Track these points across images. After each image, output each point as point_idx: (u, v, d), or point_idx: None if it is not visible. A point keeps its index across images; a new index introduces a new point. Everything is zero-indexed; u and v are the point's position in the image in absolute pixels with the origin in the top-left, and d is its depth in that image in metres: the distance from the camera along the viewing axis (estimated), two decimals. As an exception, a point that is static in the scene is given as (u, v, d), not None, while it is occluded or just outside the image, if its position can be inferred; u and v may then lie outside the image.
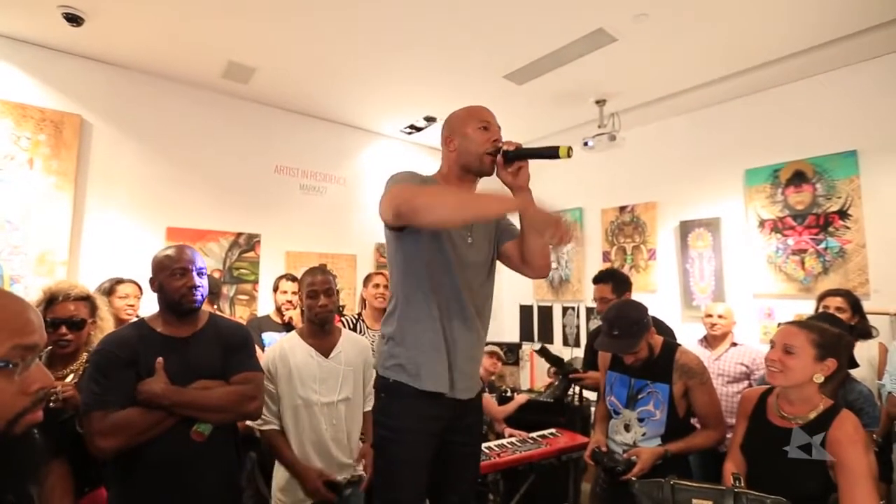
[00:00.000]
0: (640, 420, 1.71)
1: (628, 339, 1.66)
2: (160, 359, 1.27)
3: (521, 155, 1.21)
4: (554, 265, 4.51)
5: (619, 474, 1.60)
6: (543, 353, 2.61)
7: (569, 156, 1.13)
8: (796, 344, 1.33)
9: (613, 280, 2.36)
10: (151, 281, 1.38)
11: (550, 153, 1.15)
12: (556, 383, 2.48)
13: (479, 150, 1.25)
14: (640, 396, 1.72)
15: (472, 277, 1.29)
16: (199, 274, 1.39)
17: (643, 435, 1.69)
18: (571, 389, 2.73)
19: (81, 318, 1.49)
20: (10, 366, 0.63)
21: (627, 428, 1.73)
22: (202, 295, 1.39)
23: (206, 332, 1.41)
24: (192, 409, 1.28)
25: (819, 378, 1.31)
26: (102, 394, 1.22)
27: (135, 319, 1.45)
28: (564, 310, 4.39)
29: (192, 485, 1.28)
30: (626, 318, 1.69)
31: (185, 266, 1.35)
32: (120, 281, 2.29)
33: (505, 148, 1.22)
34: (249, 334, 1.53)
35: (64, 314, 1.44)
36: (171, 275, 1.34)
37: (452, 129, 1.31)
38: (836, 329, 1.40)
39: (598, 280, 2.41)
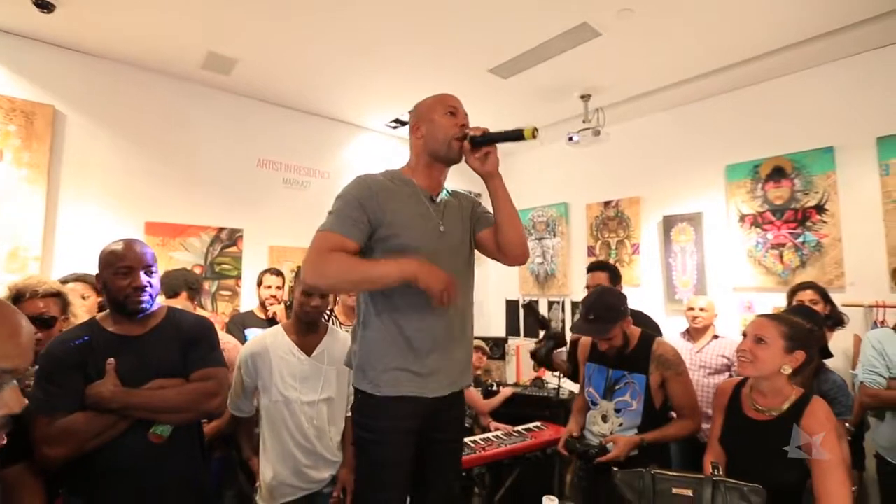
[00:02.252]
0: (617, 411, 1.73)
1: (603, 323, 1.68)
2: (111, 360, 1.21)
3: (488, 140, 1.20)
4: (540, 260, 4.54)
5: (593, 457, 1.62)
6: (530, 309, 2.49)
7: (534, 136, 1.13)
8: (767, 335, 1.36)
9: (609, 270, 2.42)
10: (97, 277, 1.29)
11: (516, 135, 1.16)
12: (543, 343, 2.46)
13: (447, 136, 1.24)
14: (617, 387, 1.75)
15: (448, 268, 1.23)
16: (148, 272, 1.29)
17: (620, 425, 1.72)
18: (559, 383, 2.74)
19: (51, 315, 1.43)
20: None
21: (605, 419, 1.76)
22: (151, 295, 1.30)
23: (162, 328, 1.33)
24: (146, 410, 1.22)
25: (787, 369, 1.34)
26: (47, 399, 1.16)
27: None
28: (550, 304, 4.41)
29: (152, 488, 1.23)
30: (603, 303, 1.72)
31: (130, 265, 1.26)
32: (79, 278, 2.08)
33: (472, 133, 1.21)
34: (211, 327, 1.46)
35: (32, 311, 1.37)
36: (115, 273, 1.25)
37: (420, 116, 1.32)
38: (808, 324, 1.45)
39: (595, 268, 2.45)
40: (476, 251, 1.39)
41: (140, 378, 1.24)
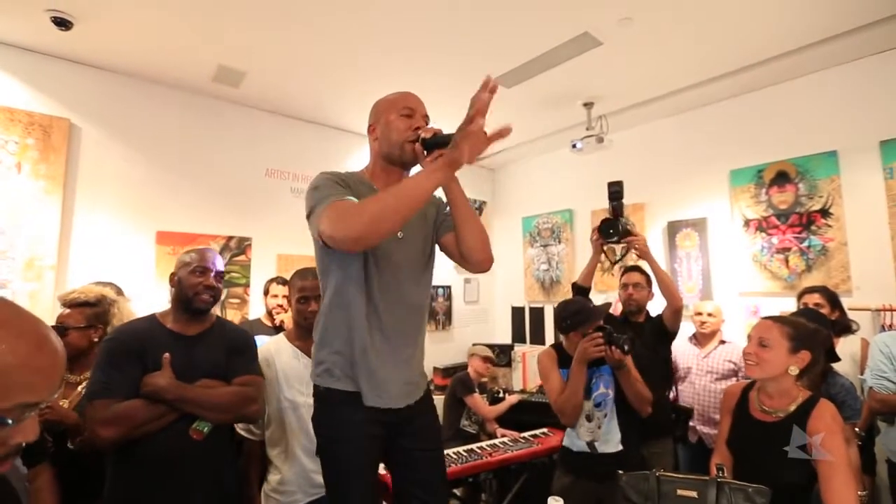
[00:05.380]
0: (598, 405, 1.84)
1: (576, 325, 1.88)
2: (167, 354, 1.31)
3: (439, 142, 1.11)
4: (545, 267, 4.55)
5: (629, 340, 1.74)
6: (613, 217, 2.31)
7: None
8: (771, 337, 1.37)
9: (644, 273, 2.48)
10: (171, 276, 1.43)
11: None
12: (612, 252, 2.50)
13: (400, 139, 1.17)
14: (591, 383, 1.88)
15: (404, 276, 1.19)
16: (218, 277, 1.44)
17: (605, 416, 1.84)
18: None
19: (66, 325, 1.55)
20: (6, 423, 0.56)
21: (589, 418, 1.84)
22: (215, 298, 1.43)
23: (212, 332, 1.46)
24: (195, 405, 1.31)
25: (794, 370, 1.35)
26: (108, 382, 1.26)
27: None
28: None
29: (187, 482, 1.30)
30: (570, 309, 1.92)
31: (206, 265, 1.42)
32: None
33: (423, 135, 1.13)
34: (253, 340, 1.57)
35: (58, 320, 1.52)
36: (191, 271, 1.40)
37: (376, 116, 1.23)
38: (812, 324, 1.46)
39: (632, 269, 2.51)
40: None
41: (189, 375, 1.34)
